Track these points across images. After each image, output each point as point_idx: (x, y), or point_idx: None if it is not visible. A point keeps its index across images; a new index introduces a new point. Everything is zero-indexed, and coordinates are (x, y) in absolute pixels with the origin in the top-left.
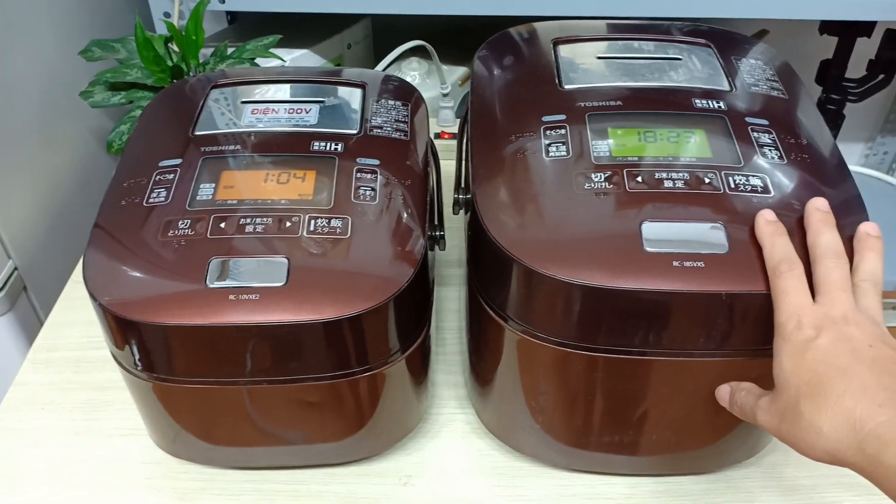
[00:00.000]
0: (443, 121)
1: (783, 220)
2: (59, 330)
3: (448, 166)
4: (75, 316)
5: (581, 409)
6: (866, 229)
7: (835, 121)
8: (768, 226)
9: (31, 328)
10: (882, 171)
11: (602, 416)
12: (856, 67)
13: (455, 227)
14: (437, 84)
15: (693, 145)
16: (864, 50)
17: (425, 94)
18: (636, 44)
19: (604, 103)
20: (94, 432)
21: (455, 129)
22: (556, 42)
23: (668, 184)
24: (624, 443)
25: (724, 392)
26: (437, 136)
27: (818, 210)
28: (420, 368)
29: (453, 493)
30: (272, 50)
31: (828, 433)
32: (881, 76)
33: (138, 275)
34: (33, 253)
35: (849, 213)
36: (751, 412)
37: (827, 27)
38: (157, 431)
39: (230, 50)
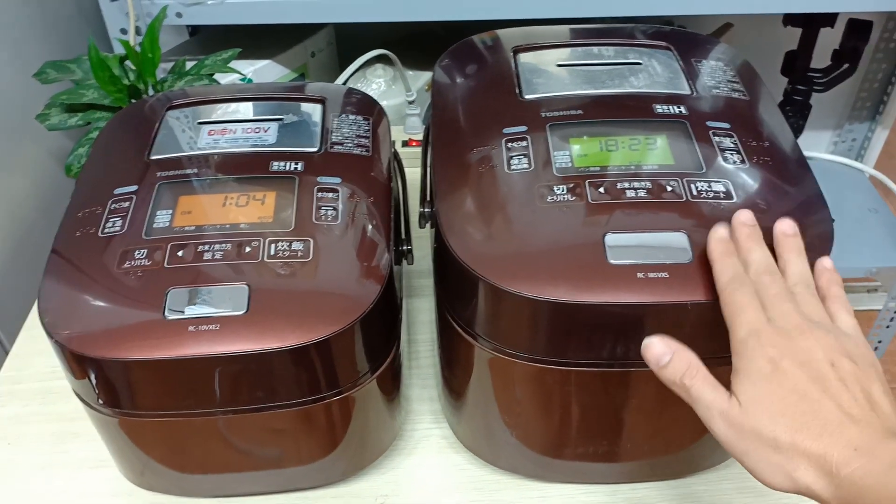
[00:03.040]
0: (410, 128)
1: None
2: (24, 360)
3: (416, 174)
4: (40, 345)
5: (556, 423)
6: (782, 229)
7: (802, 111)
8: (719, 244)
9: None
10: (850, 158)
11: (577, 427)
12: (820, 57)
13: (426, 235)
14: (404, 90)
15: (655, 152)
16: (828, 40)
17: (391, 101)
18: (596, 49)
19: (564, 112)
20: (61, 465)
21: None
22: (517, 50)
23: (630, 193)
24: (601, 452)
25: (672, 369)
26: (405, 143)
27: (744, 225)
28: (391, 387)
29: None
30: (232, 64)
31: (802, 474)
32: (846, 65)
33: (95, 309)
34: None
35: (811, 212)
36: (707, 414)
37: (791, 19)
38: (125, 465)
39: (189, 65)
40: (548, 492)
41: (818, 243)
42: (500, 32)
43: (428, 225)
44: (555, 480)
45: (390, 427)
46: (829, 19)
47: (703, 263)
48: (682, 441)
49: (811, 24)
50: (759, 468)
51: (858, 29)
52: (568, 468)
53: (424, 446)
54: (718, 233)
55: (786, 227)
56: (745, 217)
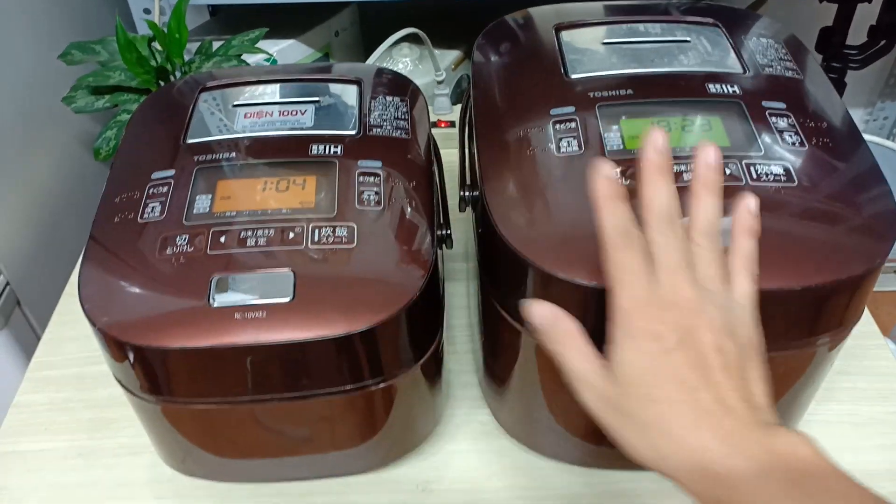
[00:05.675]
0: (438, 108)
1: (806, 207)
2: (56, 346)
3: (448, 155)
4: (73, 331)
5: None
6: (705, 157)
7: (836, 89)
8: (607, 185)
9: (28, 344)
10: (882, 137)
11: None
12: (856, 34)
13: (458, 218)
14: (430, 69)
15: (709, 134)
16: (865, 15)
17: (419, 81)
18: (642, 27)
19: (613, 92)
20: (99, 453)
21: (452, 117)
22: (558, 28)
23: (687, 177)
24: None
25: (549, 333)
26: (434, 124)
27: (657, 152)
28: (434, 374)
29: (474, 496)
30: (258, 44)
31: (674, 464)
32: (882, 42)
33: (137, 297)
34: (24, 266)
35: (874, 194)
36: (576, 385)
37: None
38: (166, 451)
39: (215, 46)
40: (592, 478)
41: (882, 226)
42: (534, 11)
43: (468, 209)
44: (599, 466)
45: (432, 414)
46: None
47: (766, 250)
48: None
49: None
50: (625, 444)
51: None
52: (612, 454)
53: (465, 432)
54: (605, 169)
55: (709, 156)
56: (658, 140)
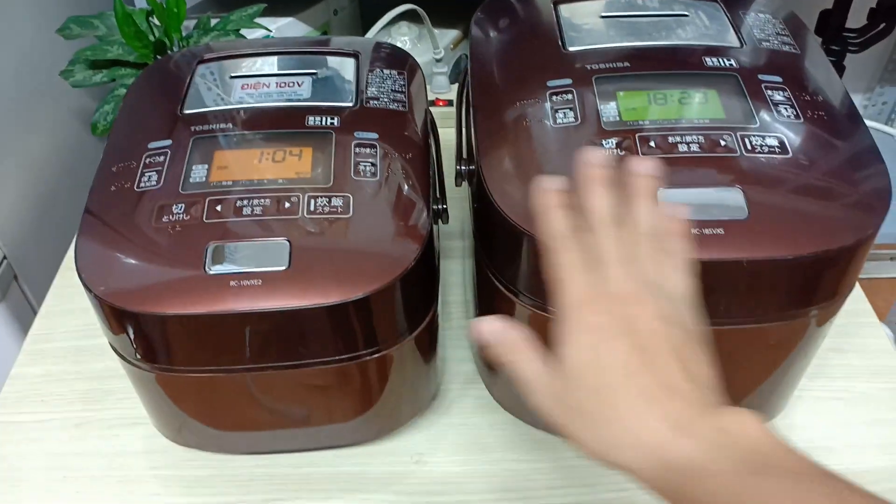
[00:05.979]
0: (437, 87)
1: (799, 178)
2: (53, 319)
3: (445, 134)
4: (69, 304)
5: None
6: (635, 167)
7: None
8: (547, 196)
9: (24, 318)
10: (881, 122)
11: None
12: (855, 16)
13: (456, 197)
14: (429, 49)
15: (705, 106)
16: None
17: (417, 59)
18: (640, 0)
19: (610, 65)
20: (95, 424)
21: (450, 96)
22: (557, 2)
23: (682, 147)
24: None
25: (493, 330)
26: (432, 103)
27: (592, 165)
28: (429, 346)
29: (466, 468)
30: (257, 20)
31: (624, 453)
32: (882, 25)
33: (134, 264)
34: (21, 241)
35: (868, 167)
36: (527, 388)
37: None
38: (162, 421)
39: (213, 21)
40: None
41: (874, 199)
42: None
43: (465, 183)
44: None
45: (426, 387)
46: None
47: (759, 220)
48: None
49: None
50: (576, 439)
51: None
52: None
53: (460, 406)
54: (546, 182)
55: (640, 166)
56: (593, 157)
